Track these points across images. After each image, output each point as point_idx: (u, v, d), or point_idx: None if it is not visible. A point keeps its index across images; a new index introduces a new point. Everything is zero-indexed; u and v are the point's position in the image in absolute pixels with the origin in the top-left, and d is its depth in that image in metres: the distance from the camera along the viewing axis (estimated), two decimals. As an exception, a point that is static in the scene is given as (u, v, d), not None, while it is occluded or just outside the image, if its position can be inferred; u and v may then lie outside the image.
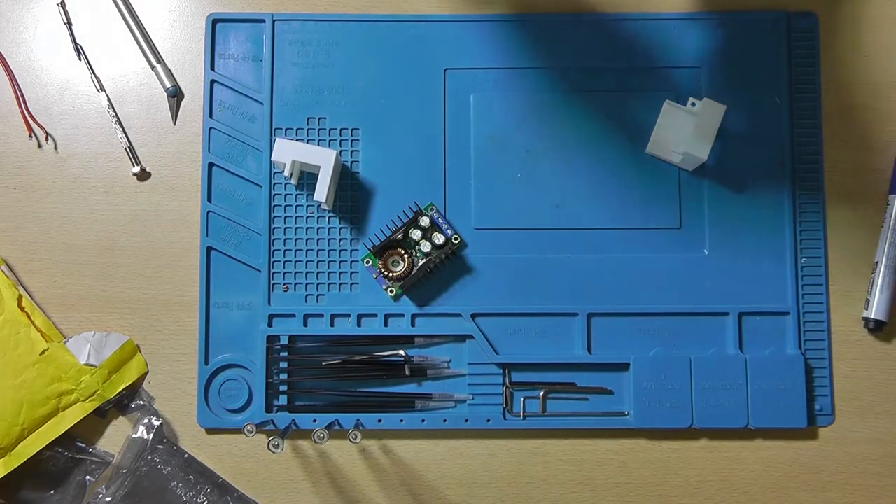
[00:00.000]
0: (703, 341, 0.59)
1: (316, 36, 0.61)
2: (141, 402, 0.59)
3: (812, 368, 0.59)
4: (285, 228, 0.60)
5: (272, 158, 0.57)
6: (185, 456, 0.58)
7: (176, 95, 0.61)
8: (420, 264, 0.58)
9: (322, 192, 0.57)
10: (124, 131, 0.61)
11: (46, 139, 0.61)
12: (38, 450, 0.57)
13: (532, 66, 0.60)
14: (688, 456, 0.59)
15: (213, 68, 0.61)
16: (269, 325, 0.59)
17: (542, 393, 0.59)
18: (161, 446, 0.58)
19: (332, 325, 0.59)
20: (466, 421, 0.58)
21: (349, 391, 0.59)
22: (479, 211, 0.60)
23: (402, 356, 0.58)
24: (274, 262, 0.59)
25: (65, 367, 0.57)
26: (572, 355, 0.59)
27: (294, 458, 0.59)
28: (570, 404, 0.59)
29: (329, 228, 0.60)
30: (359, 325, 0.59)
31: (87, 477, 0.58)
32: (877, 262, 0.59)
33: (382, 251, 0.59)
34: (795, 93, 0.60)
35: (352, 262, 0.59)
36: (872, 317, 0.59)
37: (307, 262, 0.59)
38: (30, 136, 0.61)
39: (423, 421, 0.58)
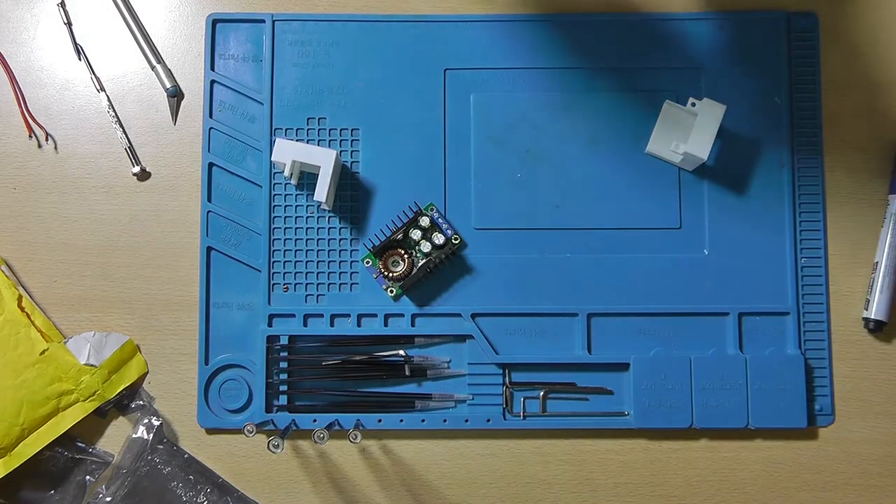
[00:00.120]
0: (703, 341, 0.59)
1: (316, 36, 0.61)
2: (141, 402, 0.59)
3: (812, 368, 0.59)
4: (285, 228, 0.60)
5: (272, 158, 0.57)
6: (185, 456, 0.58)
7: (176, 95, 0.61)
8: (420, 264, 0.58)
9: (322, 192, 0.57)
10: (124, 131, 0.61)
11: (46, 139, 0.61)
12: (38, 450, 0.57)
13: (532, 66, 0.60)
14: (688, 456, 0.59)
15: (213, 68, 0.61)
16: (269, 325, 0.59)
17: (542, 393, 0.59)
18: (161, 446, 0.58)
19: (332, 325, 0.59)
20: (466, 421, 0.58)
21: (349, 391, 0.59)
22: (479, 211, 0.60)
23: (402, 356, 0.58)
24: (274, 262, 0.59)
25: (65, 367, 0.57)
26: (572, 355, 0.59)
27: (294, 458, 0.59)
28: (570, 404, 0.59)
29: (329, 228, 0.60)
30: (359, 325, 0.59)
31: (87, 477, 0.58)
32: (877, 262, 0.59)
33: (382, 251, 0.59)
34: (795, 93, 0.60)
35: (352, 262, 0.59)
36: (872, 317, 0.59)
37: (307, 262, 0.59)
38: (30, 136, 0.61)
39: (423, 421, 0.58)
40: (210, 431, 0.59)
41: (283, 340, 0.59)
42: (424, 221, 0.58)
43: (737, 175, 0.60)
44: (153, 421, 0.58)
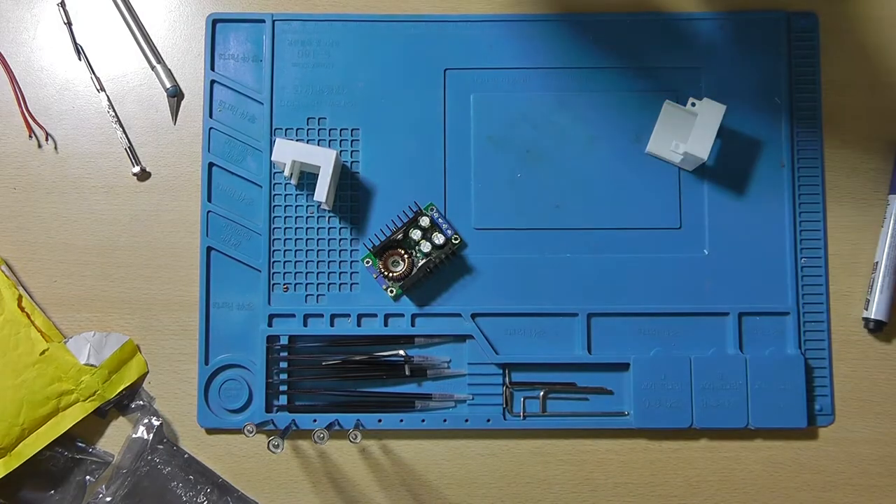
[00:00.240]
0: (703, 341, 0.59)
1: (316, 36, 0.61)
2: (141, 402, 0.59)
3: (812, 368, 0.59)
4: (285, 228, 0.60)
5: (272, 158, 0.57)
6: (185, 456, 0.58)
7: (176, 95, 0.61)
8: (420, 264, 0.58)
9: (322, 192, 0.57)
10: (124, 131, 0.61)
11: (46, 139, 0.61)
12: (38, 450, 0.57)
13: (532, 66, 0.60)
14: (688, 456, 0.59)
15: (213, 68, 0.61)
16: (269, 325, 0.59)
17: (542, 393, 0.59)
18: (161, 446, 0.58)
19: (332, 325, 0.59)
20: (466, 421, 0.58)
21: (349, 391, 0.59)
22: (479, 211, 0.60)
23: (402, 356, 0.58)
24: (274, 262, 0.59)
25: (65, 367, 0.57)
26: (572, 355, 0.59)
27: (294, 458, 0.59)
28: (570, 404, 0.59)
29: (329, 228, 0.60)
30: (359, 325, 0.59)
31: (87, 477, 0.58)
32: (877, 262, 0.59)
33: (382, 251, 0.59)
34: (795, 93, 0.60)
35: (352, 262, 0.59)
36: (872, 317, 0.59)
37: (307, 262, 0.59)
38: (30, 136, 0.61)
39: (423, 421, 0.58)
40: (210, 431, 0.59)
41: (283, 340, 0.59)
42: (424, 221, 0.58)
43: (737, 175, 0.60)
44: (153, 421, 0.58)
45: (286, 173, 0.58)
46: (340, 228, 0.60)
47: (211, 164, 0.60)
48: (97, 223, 0.60)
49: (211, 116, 0.60)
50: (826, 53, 0.61)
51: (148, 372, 0.59)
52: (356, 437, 0.54)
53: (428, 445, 0.59)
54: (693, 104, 0.58)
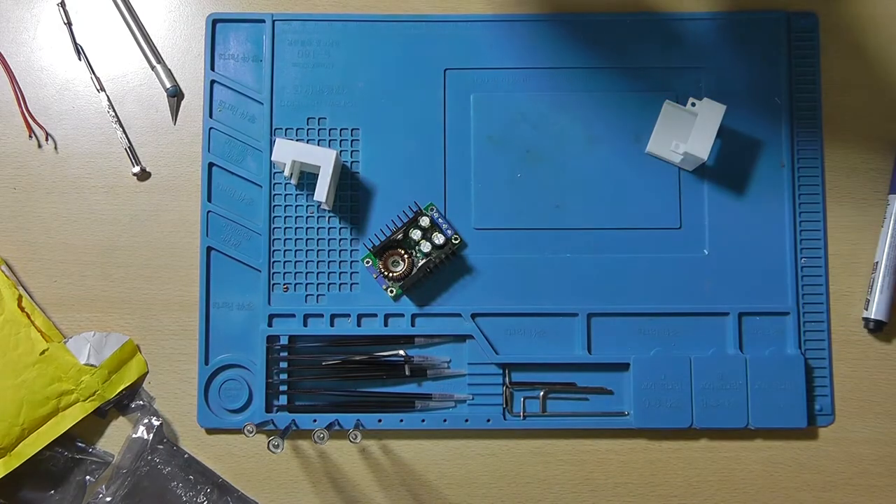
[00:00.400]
0: (703, 341, 0.59)
1: (316, 36, 0.61)
2: (141, 402, 0.59)
3: (812, 368, 0.59)
4: (285, 228, 0.60)
5: (272, 158, 0.57)
6: (185, 456, 0.58)
7: (176, 95, 0.61)
8: (420, 264, 0.58)
9: (322, 192, 0.57)
10: (124, 131, 0.61)
11: (46, 139, 0.61)
12: (38, 450, 0.57)
13: (532, 66, 0.60)
14: (688, 456, 0.59)
15: (213, 68, 0.61)
16: (269, 325, 0.59)
17: (542, 393, 0.59)
18: (161, 446, 0.58)
19: (332, 325, 0.59)
20: (466, 421, 0.58)
21: (349, 391, 0.59)
22: (479, 211, 0.60)
23: (402, 356, 0.58)
24: (274, 262, 0.59)
25: (65, 367, 0.57)
26: (572, 355, 0.59)
27: (294, 458, 0.59)
28: (570, 404, 0.59)
29: (329, 228, 0.60)
30: (359, 325, 0.59)
31: (87, 477, 0.58)
32: (877, 262, 0.59)
33: (382, 251, 0.59)
34: (795, 93, 0.60)
35: (352, 262, 0.59)
36: (872, 317, 0.59)
37: (307, 262, 0.59)
38: (30, 136, 0.61)
39: (423, 421, 0.58)
40: (210, 431, 0.59)
41: (283, 340, 0.59)
42: (424, 221, 0.58)
43: (737, 175, 0.60)
44: (153, 421, 0.58)
45: (286, 173, 0.58)
46: (340, 228, 0.60)
47: (211, 164, 0.60)
48: (97, 223, 0.60)
49: (211, 116, 0.60)
50: (826, 53, 0.61)
51: (148, 372, 0.59)
52: (356, 437, 0.54)
53: (428, 445, 0.59)
54: (693, 104, 0.58)
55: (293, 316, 0.59)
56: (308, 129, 0.60)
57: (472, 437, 0.59)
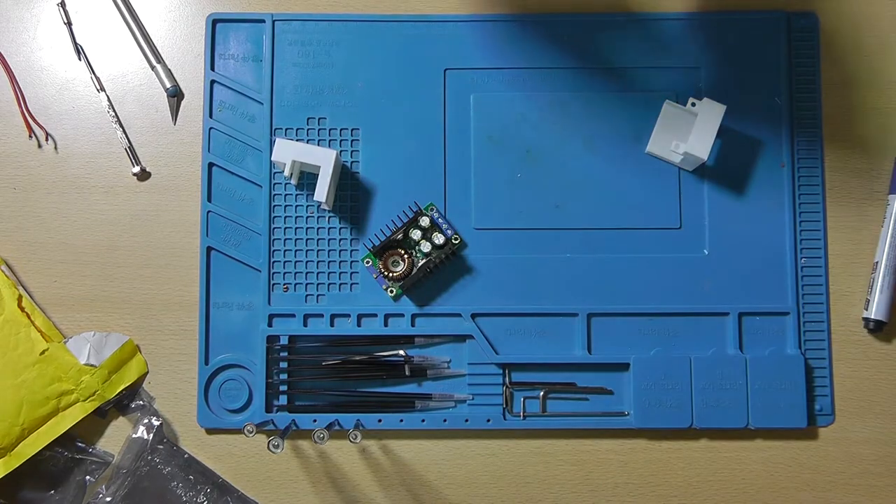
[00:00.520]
0: (703, 341, 0.59)
1: (316, 36, 0.61)
2: (141, 402, 0.59)
3: (812, 368, 0.59)
4: (285, 228, 0.60)
5: (272, 158, 0.57)
6: (185, 456, 0.58)
7: (176, 95, 0.61)
8: (420, 264, 0.58)
9: (322, 192, 0.57)
10: (124, 131, 0.61)
11: (46, 139, 0.61)
12: (38, 450, 0.57)
13: (532, 66, 0.60)
14: (688, 456, 0.59)
15: (213, 68, 0.61)
16: (269, 325, 0.59)
17: (542, 393, 0.59)
18: (161, 446, 0.58)
19: (332, 325, 0.59)
20: (466, 421, 0.58)
21: (349, 391, 0.59)
22: (479, 211, 0.60)
23: (402, 356, 0.58)
24: (274, 262, 0.59)
25: (65, 367, 0.57)
26: (572, 355, 0.59)
27: (294, 458, 0.59)
28: (570, 404, 0.59)
29: (329, 228, 0.60)
30: (359, 325, 0.59)
31: (87, 477, 0.58)
32: (877, 262, 0.59)
33: (382, 251, 0.59)
34: (795, 93, 0.60)
35: (352, 262, 0.59)
36: (872, 317, 0.59)
37: (307, 262, 0.59)
38: (30, 136, 0.61)
39: (423, 421, 0.58)
40: (210, 431, 0.59)
41: (283, 340, 0.59)
42: (424, 221, 0.58)
43: (737, 175, 0.60)
44: (153, 421, 0.58)
45: (286, 173, 0.58)
46: (340, 228, 0.60)
47: (211, 164, 0.60)
48: (97, 223, 0.60)
49: (211, 116, 0.60)
50: (826, 53, 0.61)
51: (148, 372, 0.59)
52: (356, 437, 0.54)
53: (428, 445, 0.59)
54: (693, 104, 0.58)
55: (293, 316, 0.59)
56: (308, 129, 0.60)
57: (472, 437, 0.59)
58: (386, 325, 0.59)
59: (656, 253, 0.59)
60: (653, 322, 0.59)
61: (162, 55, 0.61)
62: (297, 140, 0.59)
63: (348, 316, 0.59)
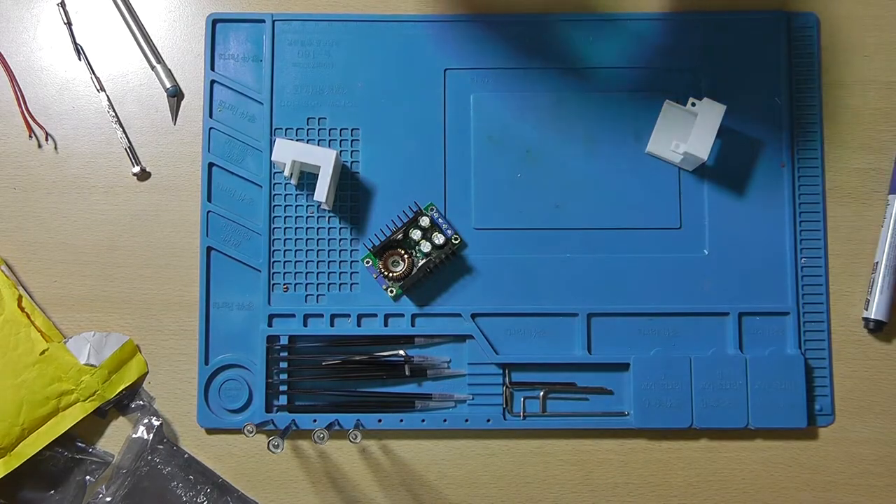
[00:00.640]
0: (703, 341, 0.59)
1: (316, 36, 0.61)
2: (141, 402, 0.59)
3: (812, 368, 0.59)
4: (285, 228, 0.60)
5: (272, 158, 0.57)
6: (185, 456, 0.58)
7: (176, 95, 0.61)
8: (420, 264, 0.58)
9: (322, 192, 0.57)
10: (124, 131, 0.61)
11: (46, 139, 0.61)
12: (38, 450, 0.57)
13: (532, 66, 0.60)
14: (688, 456, 0.59)
15: (213, 68, 0.61)
16: (269, 325, 0.59)
17: (542, 393, 0.59)
18: (161, 446, 0.58)
19: (332, 325, 0.59)
20: (466, 421, 0.58)
21: (349, 391, 0.59)
22: (479, 211, 0.60)
23: (402, 356, 0.58)
24: (274, 262, 0.59)
25: (65, 367, 0.57)
26: (572, 355, 0.59)
27: (294, 458, 0.59)
28: (570, 404, 0.59)
29: (329, 228, 0.60)
30: (359, 325, 0.59)
31: (87, 477, 0.58)
32: (877, 263, 0.59)
33: (382, 251, 0.59)
34: (795, 93, 0.60)
35: (352, 262, 0.59)
36: (872, 317, 0.59)
37: (307, 262, 0.59)
38: (30, 136, 0.61)
39: (423, 421, 0.58)
40: (210, 431, 0.59)
41: (283, 340, 0.59)
42: (424, 221, 0.58)
43: (737, 175, 0.60)
44: (153, 421, 0.58)
45: (286, 173, 0.58)
46: (340, 228, 0.60)
47: (211, 164, 0.60)
48: (97, 223, 0.60)
49: (211, 116, 0.60)
50: (826, 53, 0.61)
51: (148, 372, 0.59)
52: (356, 437, 0.54)
53: (428, 445, 0.59)
54: (693, 104, 0.58)
55: (293, 316, 0.59)
56: (308, 129, 0.60)
57: (472, 437, 0.59)
58: (386, 325, 0.59)
59: (656, 253, 0.59)
60: (653, 322, 0.59)
61: (162, 55, 0.61)
62: (297, 140, 0.59)
63: (348, 316, 0.59)
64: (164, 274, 0.60)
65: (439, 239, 0.58)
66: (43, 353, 0.57)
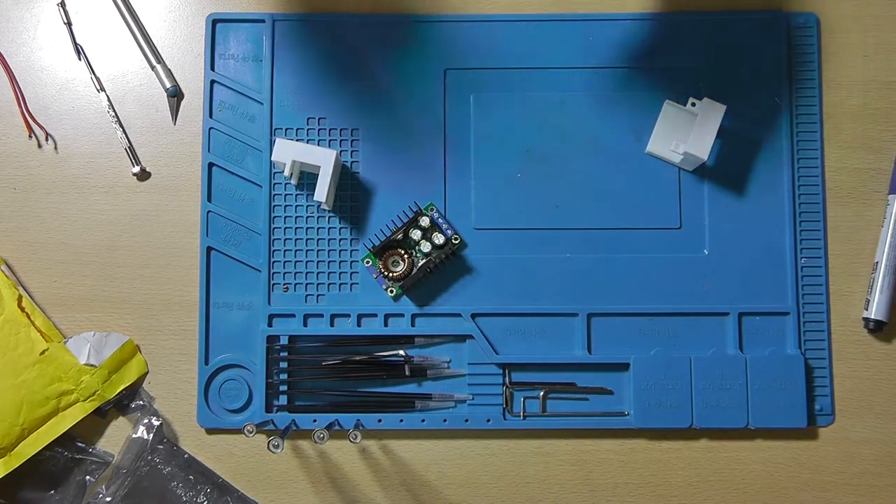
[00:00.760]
0: (703, 341, 0.59)
1: (316, 36, 0.61)
2: (141, 402, 0.59)
3: (812, 368, 0.59)
4: (285, 228, 0.60)
5: (272, 158, 0.57)
6: (185, 456, 0.58)
7: (176, 95, 0.61)
8: (420, 264, 0.58)
9: (322, 192, 0.57)
10: (124, 131, 0.61)
11: (46, 139, 0.61)
12: (38, 450, 0.57)
13: (532, 66, 0.60)
14: (688, 456, 0.59)
15: (213, 68, 0.61)
16: (269, 325, 0.59)
17: (542, 393, 0.59)
18: (161, 446, 0.58)
19: (332, 325, 0.59)
20: (466, 421, 0.58)
21: (349, 391, 0.59)
22: (479, 211, 0.60)
23: (402, 356, 0.58)
24: (274, 262, 0.59)
25: (65, 367, 0.57)
26: (572, 355, 0.59)
27: (294, 458, 0.59)
28: (570, 404, 0.59)
29: (329, 228, 0.60)
30: (359, 325, 0.59)
31: (87, 477, 0.58)
32: (877, 262, 0.59)
33: (382, 251, 0.59)
34: (795, 93, 0.60)
35: (352, 262, 0.59)
36: (872, 317, 0.59)
37: (307, 262, 0.59)
38: (30, 136, 0.61)
39: (423, 421, 0.58)
40: (210, 431, 0.59)
41: (283, 340, 0.59)
42: (424, 221, 0.58)
43: (737, 175, 0.60)
44: (153, 421, 0.58)
45: (286, 173, 0.58)
46: (340, 228, 0.60)
47: (211, 164, 0.60)
48: (97, 223, 0.60)
49: (211, 116, 0.60)
50: (826, 53, 0.61)
51: (148, 372, 0.59)
52: (356, 437, 0.54)
53: (428, 445, 0.59)
54: (693, 104, 0.58)
55: (293, 316, 0.59)
56: (308, 129, 0.60)
57: (472, 437, 0.59)
58: (386, 325, 0.59)
59: (656, 253, 0.59)
60: (653, 322, 0.59)
61: (162, 55, 0.61)
62: (297, 140, 0.59)
63: (348, 316, 0.59)
64: (164, 274, 0.60)
65: (439, 239, 0.58)
66: (43, 353, 0.57)
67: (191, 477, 0.58)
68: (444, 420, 0.58)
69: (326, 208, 0.59)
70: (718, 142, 0.59)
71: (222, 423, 0.59)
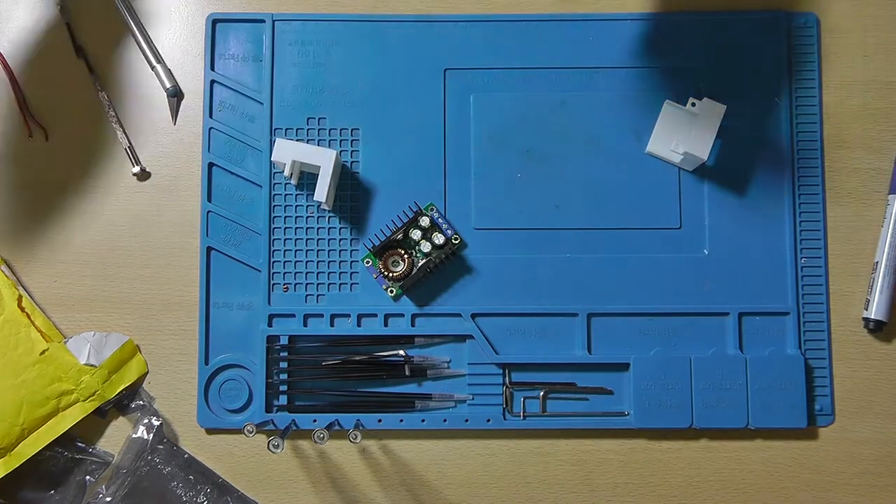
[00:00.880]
0: (703, 341, 0.59)
1: (316, 36, 0.61)
2: (141, 402, 0.59)
3: (812, 368, 0.59)
4: (285, 228, 0.60)
5: (272, 158, 0.57)
6: (185, 456, 0.58)
7: (176, 95, 0.61)
8: (420, 264, 0.58)
9: (322, 192, 0.57)
10: (124, 131, 0.61)
11: (46, 139, 0.61)
12: (38, 450, 0.57)
13: (532, 66, 0.60)
14: (688, 456, 0.59)
15: (213, 68, 0.61)
16: (269, 325, 0.59)
17: (542, 393, 0.59)
18: (161, 446, 0.58)
19: (332, 325, 0.59)
20: (466, 421, 0.58)
21: (349, 391, 0.59)
22: (479, 211, 0.60)
23: (402, 356, 0.58)
24: (274, 262, 0.59)
25: (65, 367, 0.57)
26: (572, 355, 0.59)
27: (294, 458, 0.59)
28: (570, 404, 0.59)
29: (329, 228, 0.60)
30: (359, 325, 0.59)
31: (87, 477, 0.58)
32: (877, 262, 0.59)
33: (382, 251, 0.59)
34: (795, 93, 0.60)
35: (352, 262, 0.59)
36: (872, 317, 0.59)
37: (307, 262, 0.59)
38: (30, 136, 0.61)
39: (423, 421, 0.58)
40: (210, 431, 0.59)
41: (283, 340, 0.59)
42: (424, 221, 0.58)
43: (737, 175, 0.60)
44: (153, 421, 0.58)
45: (286, 173, 0.58)
46: (340, 228, 0.60)
47: (211, 164, 0.60)
48: (97, 223, 0.60)
49: (211, 116, 0.60)
50: (826, 53, 0.61)
51: (148, 372, 0.59)
52: (356, 437, 0.54)
53: (428, 445, 0.59)
54: (693, 104, 0.58)
55: (293, 316, 0.59)
56: (308, 129, 0.60)
57: (472, 437, 0.59)
58: (386, 325, 0.59)
59: (656, 253, 0.59)
60: (653, 322, 0.59)
61: (162, 55, 0.61)
62: (297, 140, 0.59)
63: (348, 316, 0.59)
64: (164, 274, 0.60)
65: (439, 239, 0.58)
66: (43, 353, 0.57)
67: (191, 477, 0.58)
68: (444, 420, 0.58)
69: (326, 208, 0.59)
70: (718, 142, 0.59)
71: (222, 423, 0.59)
